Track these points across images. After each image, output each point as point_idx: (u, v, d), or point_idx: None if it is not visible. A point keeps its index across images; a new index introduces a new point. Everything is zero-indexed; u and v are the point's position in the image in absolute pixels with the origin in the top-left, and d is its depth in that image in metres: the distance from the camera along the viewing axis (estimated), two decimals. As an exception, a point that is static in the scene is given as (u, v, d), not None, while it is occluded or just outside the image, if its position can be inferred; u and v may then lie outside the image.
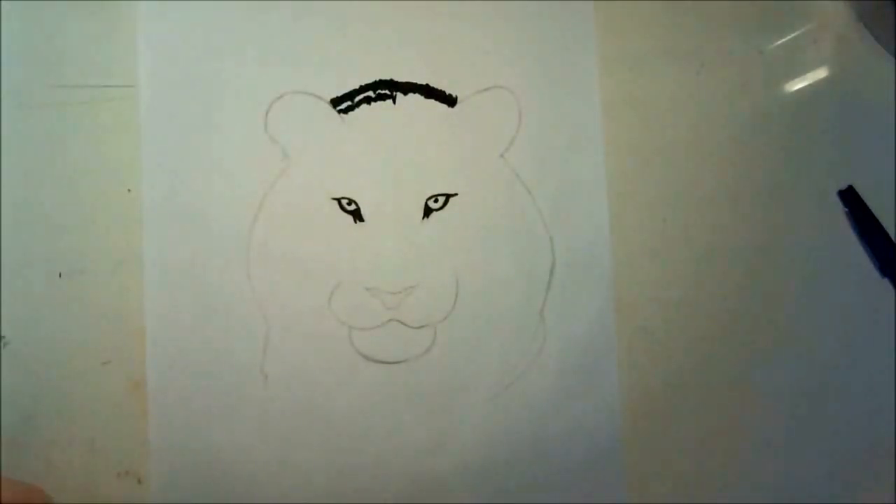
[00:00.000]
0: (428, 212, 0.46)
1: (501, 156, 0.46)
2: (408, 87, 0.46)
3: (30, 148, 0.45)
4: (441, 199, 0.46)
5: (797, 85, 0.48)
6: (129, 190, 0.45)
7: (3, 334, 0.44)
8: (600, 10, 0.47)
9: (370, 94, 0.45)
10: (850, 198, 0.47)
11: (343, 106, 0.45)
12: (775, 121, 0.47)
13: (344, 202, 0.45)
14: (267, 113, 0.45)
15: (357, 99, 0.45)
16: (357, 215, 0.45)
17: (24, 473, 0.43)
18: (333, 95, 0.45)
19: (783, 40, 0.48)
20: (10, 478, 0.42)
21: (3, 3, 0.45)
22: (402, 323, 0.45)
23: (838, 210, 0.47)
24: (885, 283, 0.47)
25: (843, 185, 0.47)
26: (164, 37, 0.45)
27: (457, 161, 0.46)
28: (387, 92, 0.46)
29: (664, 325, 0.47)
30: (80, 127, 0.45)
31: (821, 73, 0.48)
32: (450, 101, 0.46)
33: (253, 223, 0.45)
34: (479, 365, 0.46)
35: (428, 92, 0.46)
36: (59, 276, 0.44)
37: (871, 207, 0.46)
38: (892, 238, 0.46)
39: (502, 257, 0.46)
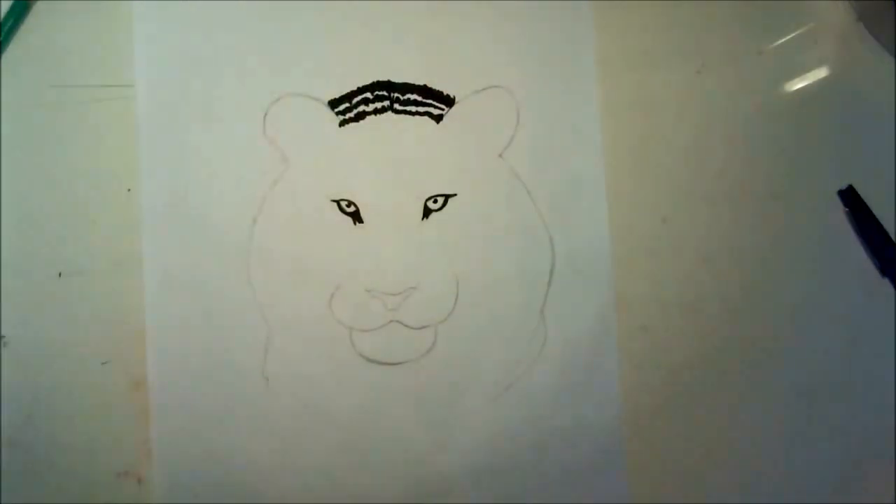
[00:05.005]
0: (427, 212, 0.46)
1: (500, 156, 0.46)
2: (406, 88, 0.46)
3: (30, 148, 0.45)
4: (440, 200, 0.46)
5: (797, 85, 0.48)
6: (128, 190, 0.45)
7: (3, 334, 0.44)
8: (599, 10, 0.47)
9: (368, 95, 0.45)
10: (850, 198, 0.47)
11: (341, 107, 0.45)
12: (775, 121, 0.47)
13: (343, 204, 0.45)
14: (265, 115, 0.45)
15: (355, 100, 0.45)
16: (356, 217, 0.45)
17: (24, 473, 0.44)
18: (331, 97, 0.45)
19: (783, 40, 0.48)
20: None
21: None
22: (402, 324, 0.45)
23: (838, 210, 0.47)
24: (885, 283, 0.47)
25: (843, 185, 0.47)
26: (163, 37, 0.45)
27: (455, 161, 0.46)
28: (384, 93, 0.46)
29: (664, 324, 0.47)
30: (79, 127, 0.45)
31: (821, 73, 0.48)
32: (448, 101, 0.46)
33: (252, 225, 0.45)
34: (480, 365, 0.46)
35: (426, 92, 0.46)
36: (59, 276, 0.44)
37: (871, 207, 0.46)
38: (892, 238, 0.46)
39: (502, 257, 0.46)
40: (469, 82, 0.46)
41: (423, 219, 0.46)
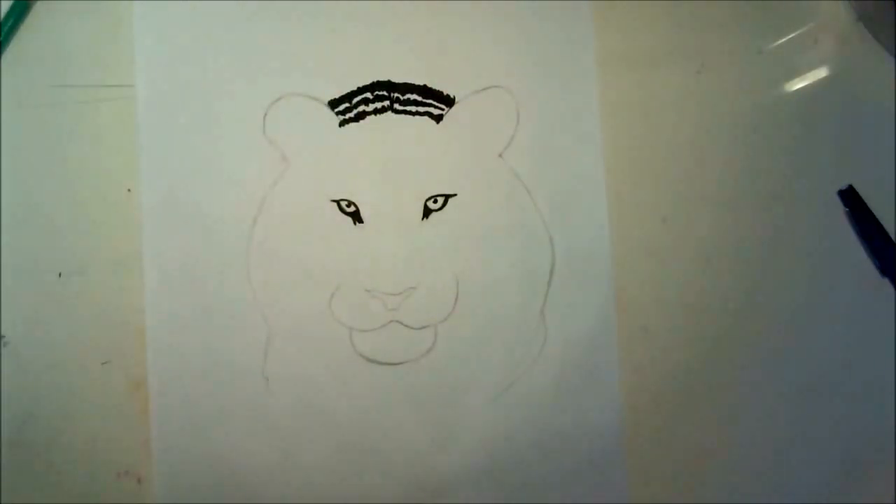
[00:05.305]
0: (427, 212, 0.46)
1: (500, 156, 0.46)
2: (406, 88, 0.46)
3: (30, 148, 0.45)
4: (440, 200, 0.46)
5: (797, 85, 0.48)
6: (128, 190, 0.45)
7: (3, 334, 0.44)
8: (599, 10, 0.47)
9: (368, 95, 0.45)
10: (850, 198, 0.47)
11: (341, 107, 0.45)
12: (775, 121, 0.47)
13: (343, 204, 0.45)
14: (265, 115, 0.45)
15: (355, 100, 0.45)
16: (356, 217, 0.45)
17: (24, 473, 0.44)
18: (331, 97, 0.45)
19: (783, 40, 0.48)
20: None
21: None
22: (402, 324, 0.45)
23: (838, 210, 0.47)
24: (885, 283, 0.47)
25: (843, 185, 0.47)
26: (163, 37, 0.45)
27: (455, 161, 0.46)
28: (384, 93, 0.46)
29: (664, 325, 0.47)
30: (79, 127, 0.45)
31: (821, 73, 0.48)
32: (448, 101, 0.46)
33: (252, 225, 0.45)
34: (480, 365, 0.46)
35: (426, 92, 0.46)
36: (59, 276, 0.44)
37: (871, 207, 0.46)
38: (892, 238, 0.46)
39: (502, 257, 0.46)
40: (469, 82, 0.46)
41: (423, 219, 0.46)
